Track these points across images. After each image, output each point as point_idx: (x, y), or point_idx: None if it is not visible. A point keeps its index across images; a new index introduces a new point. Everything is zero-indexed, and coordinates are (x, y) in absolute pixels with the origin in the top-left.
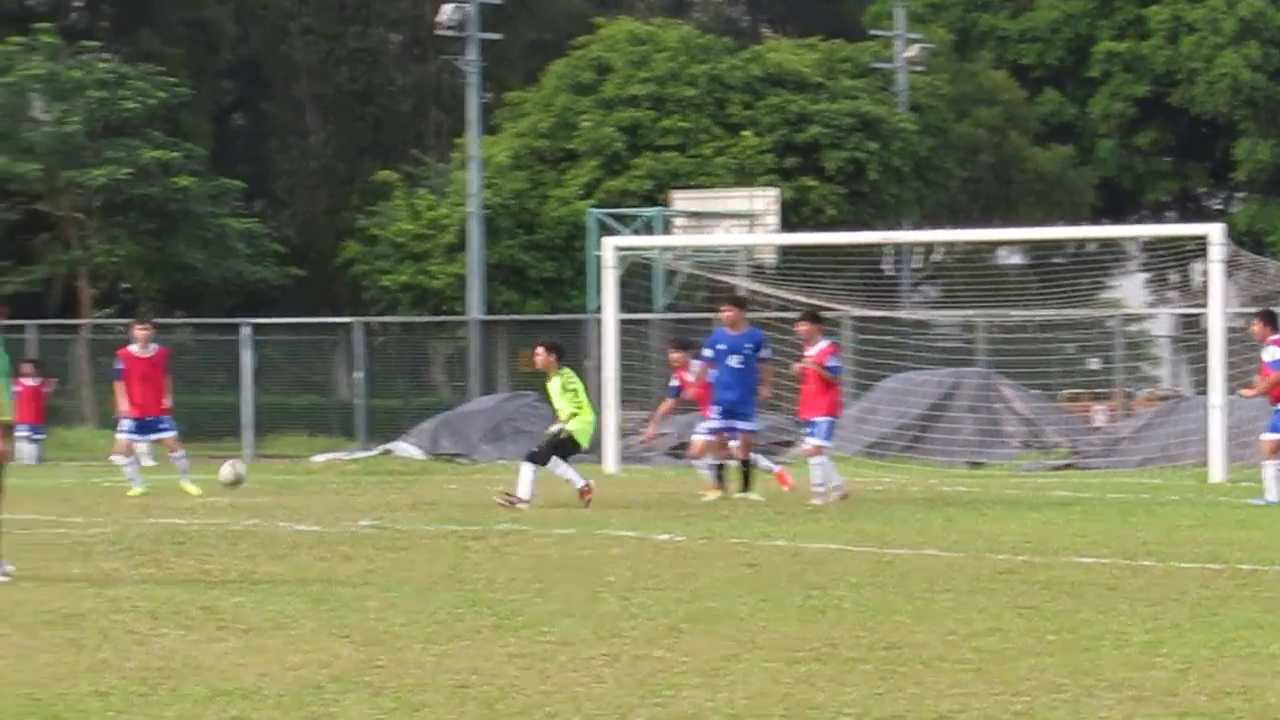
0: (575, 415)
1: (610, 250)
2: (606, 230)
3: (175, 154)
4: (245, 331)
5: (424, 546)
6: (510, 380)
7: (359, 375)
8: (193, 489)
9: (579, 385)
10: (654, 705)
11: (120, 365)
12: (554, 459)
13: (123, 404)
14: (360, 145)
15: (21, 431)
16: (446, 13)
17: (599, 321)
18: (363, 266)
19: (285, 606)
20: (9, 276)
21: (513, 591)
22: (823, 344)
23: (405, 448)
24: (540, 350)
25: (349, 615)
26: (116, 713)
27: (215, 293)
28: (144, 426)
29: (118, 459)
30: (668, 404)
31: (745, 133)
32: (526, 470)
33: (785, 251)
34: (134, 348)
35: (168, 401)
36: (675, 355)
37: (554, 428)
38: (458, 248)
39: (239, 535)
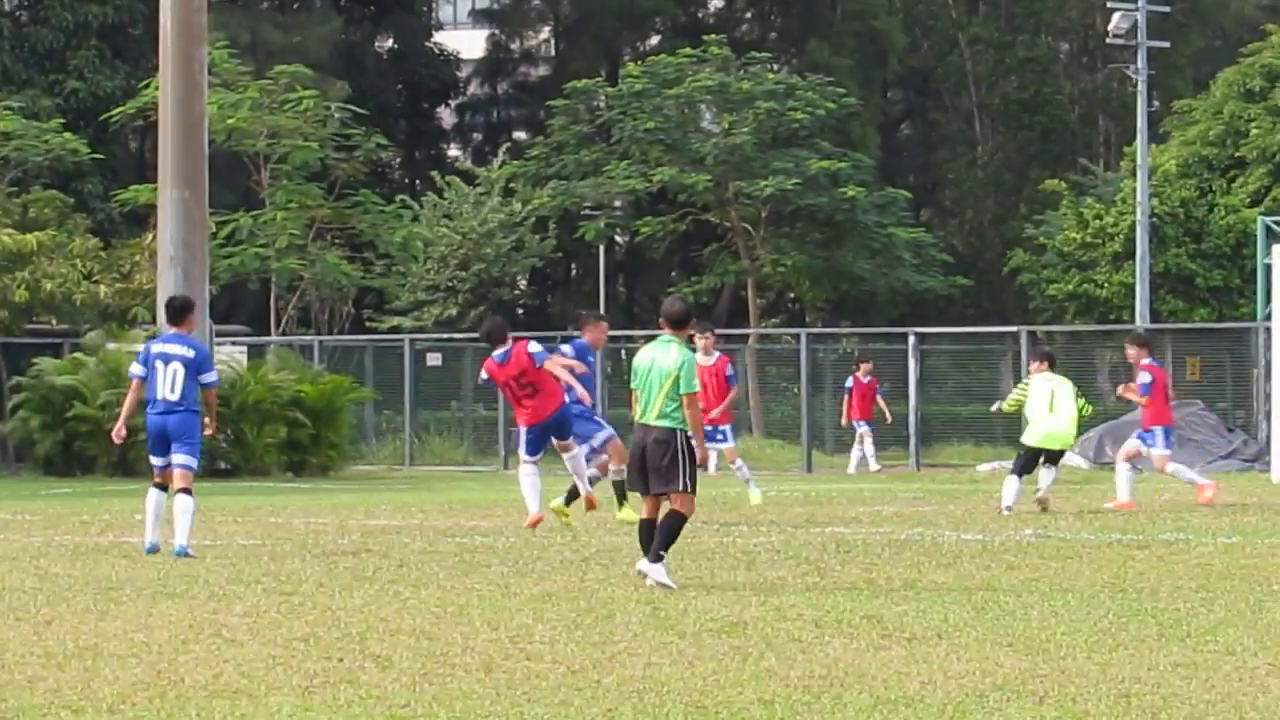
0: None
1: (1279, 258)
2: (1275, 238)
3: (843, 164)
4: (912, 340)
5: (1087, 555)
6: (1177, 389)
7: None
8: (756, 498)
9: (1026, 392)
10: None
11: None
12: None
13: None
14: (1028, 154)
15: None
16: (1116, 21)
17: (1267, 330)
18: (1029, 275)
19: (949, 615)
20: (679, 286)
21: (1176, 600)
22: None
23: (1070, 456)
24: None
25: (1012, 624)
26: None
27: (882, 302)
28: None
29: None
30: None
31: None
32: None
33: None
34: (697, 355)
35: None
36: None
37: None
38: (1124, 256)
39: (903, 544)
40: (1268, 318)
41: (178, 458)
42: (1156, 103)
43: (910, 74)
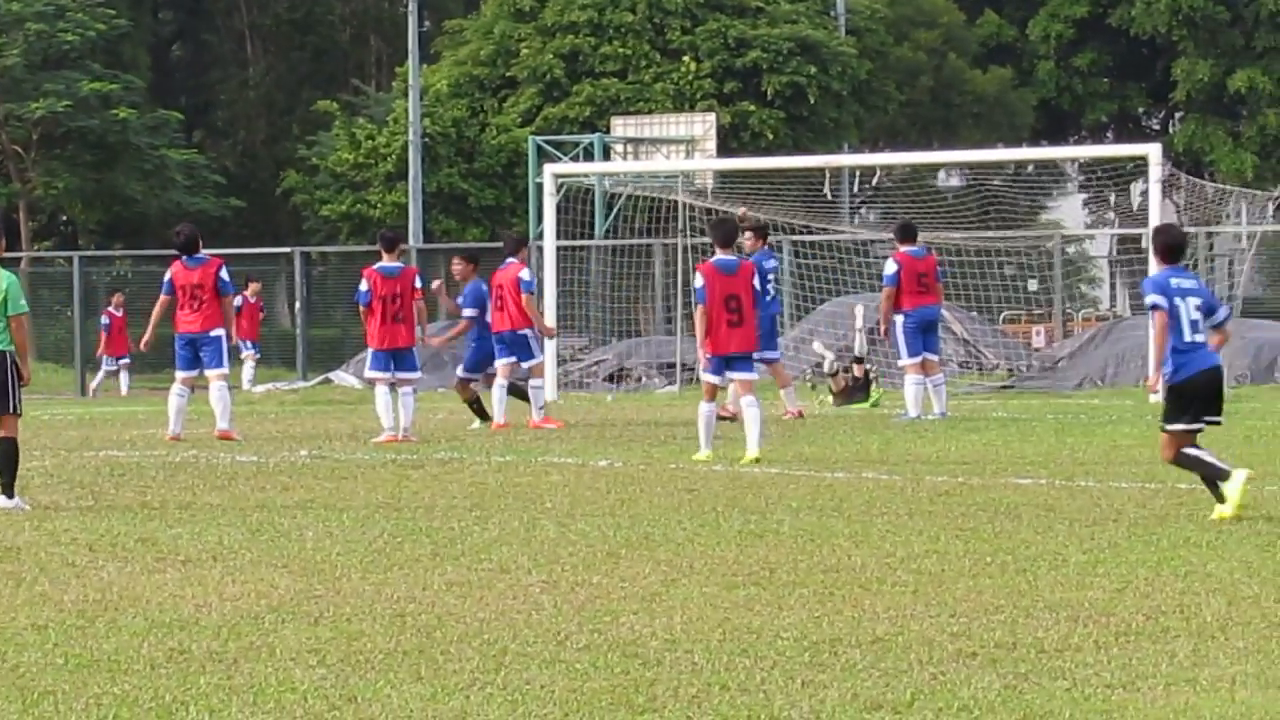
0: None
1: (550, 177)
2: (546, 157)
3: (114, 86)
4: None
5: (363, 476)
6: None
7: (299, 305)
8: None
9: None
10: (592, 631)
11: None
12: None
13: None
14: (300, 75)
15: None
16: None
17: (539, 248)
18: (302, 196)
19: (223, 537)
20: None
21: (451, 520)
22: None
23: (344, 377)
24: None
25: (287, 545)
26: (54, 645)
27: (155, 224)
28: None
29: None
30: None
31: (685, 58)
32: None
33: (725, 176)
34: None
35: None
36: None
37: None
38: (397, 176)
39: (178, 466)
40: (540, 236)
41: None
42: (428, 23)
43: None
